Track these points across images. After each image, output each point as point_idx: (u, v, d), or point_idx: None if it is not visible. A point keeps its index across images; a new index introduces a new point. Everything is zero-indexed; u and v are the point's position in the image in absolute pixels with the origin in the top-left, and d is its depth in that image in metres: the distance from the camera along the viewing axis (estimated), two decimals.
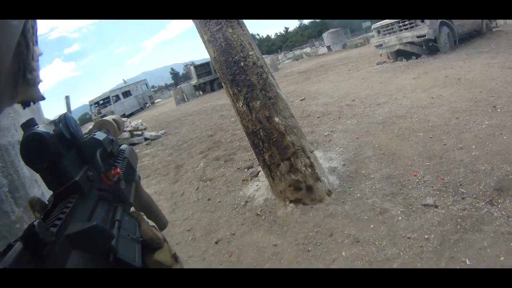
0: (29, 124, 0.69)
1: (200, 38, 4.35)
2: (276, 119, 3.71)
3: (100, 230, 0.52)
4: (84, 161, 0.72)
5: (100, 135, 0.81)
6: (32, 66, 0.71)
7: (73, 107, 23.04)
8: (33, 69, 0.71)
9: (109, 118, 1.05)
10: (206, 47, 4.24)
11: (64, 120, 0.71)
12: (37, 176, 1.61)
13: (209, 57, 4.35)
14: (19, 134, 1.56)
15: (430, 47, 11.93)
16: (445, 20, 11.83)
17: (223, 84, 4.10)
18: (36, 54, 0.73)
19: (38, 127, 0.69)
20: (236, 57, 3.87)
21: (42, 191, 1.59)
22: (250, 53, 3.91)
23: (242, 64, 3.84)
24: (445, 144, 4.29)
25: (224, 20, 4.00)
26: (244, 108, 3.81)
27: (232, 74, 3.85)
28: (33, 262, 0.41)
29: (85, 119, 62.51)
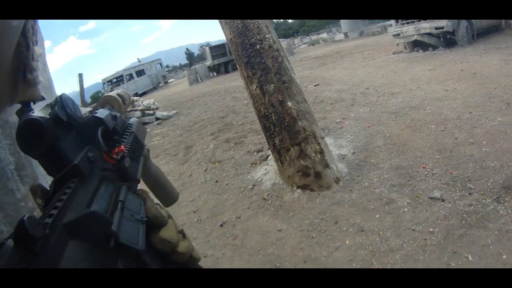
0: (24, 111, 0.68)
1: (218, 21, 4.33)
2: (289, 104, 3.70)
3: (97, 217, 0.50)
4: (85, 141, 0.70)
5: (102, 113, 0.79)
6: (32, 66, 0.75)
7: (86, 85, 23.03)
8: (33, 69, 0.75)
9: (113, 93, 1.03)
10: (223, 28, 4.22)
11: (60, 102, 0.67)
12: None
13: (224, 38, 4.33)
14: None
15: (448, 40, 11.73)
16: None
17: (237, 66, 4.09)
18: (36, 54, 0.76)
19: (33, 112, 0.66)
20: (253, 39, 3.85)
21: None
22: (267, 36, 3.89)
23: (258, 46, 3.82)
24: (456, 138, 4.26)
25: None
26: (257, 91, 3.80)
27: (247, 57, 3.84)
28: (25, 261, 0.40)
29: (97, 97, 62.71)
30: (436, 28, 11.49)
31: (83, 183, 0.60)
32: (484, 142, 4.00)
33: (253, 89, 3.83)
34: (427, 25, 11.74)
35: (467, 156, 3.80)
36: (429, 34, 11.88)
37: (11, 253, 0.39)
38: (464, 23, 11.49)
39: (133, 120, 0.98)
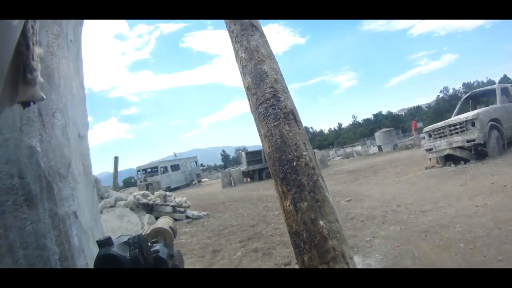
0: (105, 243, 0.74)
1: (257, 131, 4.50)
2: (321, 222, 3.69)
3: None
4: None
5: (163, 252, 0.87)
6: (32, 66, 0.75)
7: (120, 168, 23.70)
8: (33, 69, 0.75)
9: (165, 225, 1.09)
10: (262, 141, 4.36)
11: (139, 246, 0.75)
12: (84, 246, 1.69)
13: (261, 145, 4.48)
14: (75, 205, 1.65)
15: (479, 152, 11.84)
16: (495, 123, 11.84)
17: (273, 181, 4.15)
18: (36, 54, 0.76)
19: (113, 247, 0.74)
20: (290, 155, 3.95)
21: (87, 261, 1.65)
22: (304, 153, 3.98)
23: (294, 163, 3.91)
24: (485, 256, 4.15)
25: (283, 117, 4.14)
26: (290, 208, 3.82)
27: (283, 172, 3.91)
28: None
29: (129, 182, 63.68)
30: (467, 141, 11.65)
31: None
32: None
33: (287, 205, 3.85)
34: (459, 138, 11.97)
35: None
36: (461, 147, 12.03)
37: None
38: (495, 133, 11.72)
39: (175, 252, 1.04)
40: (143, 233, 1.01)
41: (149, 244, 0.91)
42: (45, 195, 1.44)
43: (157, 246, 0.89)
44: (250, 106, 4.69)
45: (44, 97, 0.84)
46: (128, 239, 0.78)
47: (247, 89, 4.73)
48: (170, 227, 1.10)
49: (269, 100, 4.31)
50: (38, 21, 0.78)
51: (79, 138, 2.13)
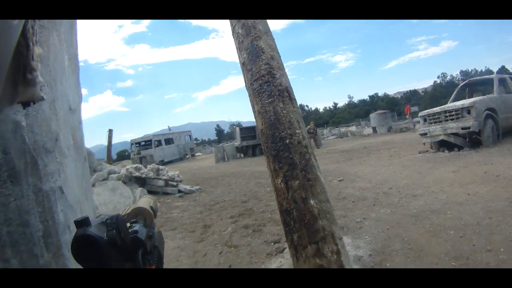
0: (82, 223, 0.74)
1: (251, 107, 4.46)
2: (312, 202, 3.69)
3: None
4: (125, 258, 0.78)
5: (142, 233, 0.86)
6: (32, 66, 0.75)
7: (114, 141, 23.79)
8: (33, 69, 0.76)
9: (146, 205, 1.08)
10: (255, 118, 4.33)
11: (117, 226, 0.75)
12: (71, 222, 1.68)
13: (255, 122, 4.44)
14: (62, 180, 1.63)
15: (473, 140, 11.88)
16: (491, 113, 11.88)
17: (265, 158, 4.14)
18: (36, 54, 0.76)
19: (90, 227, 0.74)
20: (283, 133, 3.92)
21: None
22: (297, 131, 3.96)
23: (287, 141, 3.88)
24: (474, 245, 4.17)
25: (277, 95, 4.10)
26: (282, 186, 3.82)
27: (276, 150, 3.89)
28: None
29: (123, 155, 63.62)
30: (462, 128, 11.67)
31: None
32: (502, 249, 3.90)
33: (278, 182, 3.85)
34: (454, 125, 11.97)
35: (483, 263, 3.68)
36: (455, 134, 12.05)
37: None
38: (490, 122, 11.74)
39: (155, 232, 1.03)
40: (122, 213, 1.00)
41: (129, 224, 0.92)
42: (29, 170, 1.42)
43: (136, 227, 0.89)
44: (245, 82, 4.64)
45: (44, 97, 0.89)
46: (106, 220, 0.78)
47: (243, 64, 4.68)
48: (151, 207, 1.08)
49: (264, 77, 4.27)
50: (38, 21, 0.80)
51: (70, 112, 2.09)
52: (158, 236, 1.03)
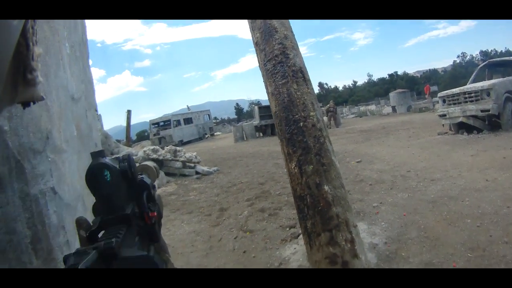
0: (99, 155, 0.82)
1: (265, 89, 4.33)
2: (326, 188, 3.57)
3: (151, 261, 0.73)
4: (131, 198, 0.86)
5: (147, 179, 0.95)
6: (32, 66, 0.77)
7: (133, 122, 24.29)
8: (33, 69, 0.77)
9: (150, 164, 1.15)
10: (269, 99, 4.22)
11: (128, 161, 0.84)
12: (66, 223, 1.59)
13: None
14: (54, 180, 1.55)
15: (493, 123, 11.57)
16: (511, 95, 11.52)
17: (279, 141, 4.03)
18: (36, 54, 0.78)
19: (106, 158, 0.82)
20: (297, 115, 3.80)
21: (67, 238, 1.57)
22: (311, 113, 3.83)
23: (301, 124, 3.76)
24: (491, 236, 4.04)
25: (291, 75, 3.96)
26: (295, 170, 3.70)
27: (290, 133, 3.77)
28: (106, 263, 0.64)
29: (142, 135, 64.40)
30: (482, 111, 11.38)
31: (129, 231, 0.77)
32: None
33: (292, 167, 3.73)
34: (473, 107, 11.67)
35: (500, 256, 3.57)
36: (475, 116, 11.75)
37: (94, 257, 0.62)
38: (510, 106, 11.39)
39: (156, 195, 1.08)
40: None
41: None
42: (14, 176, 1.39)
43: (142, 176, 0.96)
44: (259, 62, 4.52)
45: (44, 97, 0.88)
46: (118, 157, 0.87)
47: (256, 44, 4.55)
48: (155, 167, 1.11)
49: (278, 57, 4.14)
50: (38, 21, 0.81)
51: (73, 101, 2.04)
52: (158, 197, 1.07)
